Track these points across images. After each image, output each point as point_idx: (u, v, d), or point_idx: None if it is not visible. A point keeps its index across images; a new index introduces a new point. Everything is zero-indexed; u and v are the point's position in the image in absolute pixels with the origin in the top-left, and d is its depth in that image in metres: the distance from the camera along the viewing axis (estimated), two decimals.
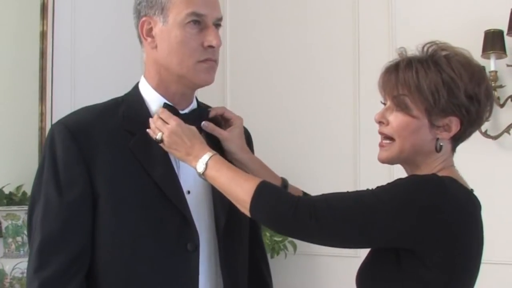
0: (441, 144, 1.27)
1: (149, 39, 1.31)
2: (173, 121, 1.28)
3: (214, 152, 1.28)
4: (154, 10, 1.29)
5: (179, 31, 1.27)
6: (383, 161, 1.31)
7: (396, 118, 1.27)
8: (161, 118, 1.29)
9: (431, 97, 1.23)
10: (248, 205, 1.22)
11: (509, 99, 2.44)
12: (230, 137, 1.37)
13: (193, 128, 1.31)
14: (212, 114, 1.38)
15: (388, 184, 1.23)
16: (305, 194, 1.47)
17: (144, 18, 1.31)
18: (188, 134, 1.28)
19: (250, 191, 1.22)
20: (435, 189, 1.19)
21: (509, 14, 2.36)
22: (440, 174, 1.25)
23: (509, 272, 2.44)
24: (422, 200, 1.18)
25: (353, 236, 1.20)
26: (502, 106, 2.45)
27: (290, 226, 1.21)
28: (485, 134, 2.43)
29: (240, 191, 1.24)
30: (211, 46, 1.29)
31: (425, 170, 1.27)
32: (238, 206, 1.26)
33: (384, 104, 1.32)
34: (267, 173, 1.42)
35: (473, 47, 2.29)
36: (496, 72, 2.41)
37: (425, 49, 1.29)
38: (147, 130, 1.29)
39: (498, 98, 2.44)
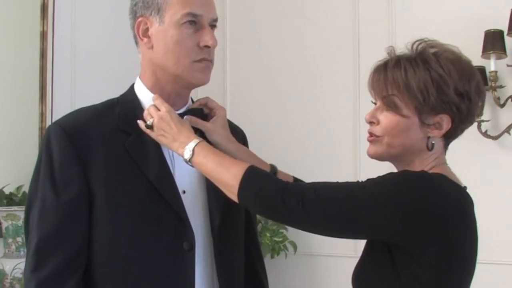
0: (432, 142, 1.26)
1: (145, 39, 1.32)
2: (164, 108, 1.29)
3: (201, 139, 1.28)
4: (150, 10, 1.30)
5: (175, 31, 1.28)
6: (372, 155, 1.31)
7: (386, 118, 1.27)
8: (154, 105, 1.31)
9: (421, 95, 1.22)
10: (236, 190, 1.22)
11: (509, 99, 2.44)
12: (213, 128, 1.37)
13: (185, 119, 1.32)
14: (196, 105, 1.39)
15: (379, 177, 1.23)
16: (296, 179, 1.47)
17: (140, 19, 1.32)
18: (176, 122, 1.28)
19: (238, 175, 1.22)
20: (424, 186, 1.18)
21: (509, 14, 2.36)
22: (431, 171, 1.24)
23: (509, 272, 2.44)
24: (410, 196, 1.17)
25: (339, 225, 1.20)
26: (502, 106, 2.45)
27: (277, 211, 1.21)
28: (486, 134, 2.43)
29: (228, 175, 1.23)
30: (207, 46, 1.30)
31: (417, 167, 1.27)
32: (226, 191, 1.25)
33: (375, 103, 1.31)
34: (256, 161, 1.42)
35: (473, 47, 2.31)
36: (496, 72, 2.41)
37: (414, 47, 1.28)
38: (138, 121, 1.30)
39: (498, 98, 2.44)
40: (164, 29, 1.29)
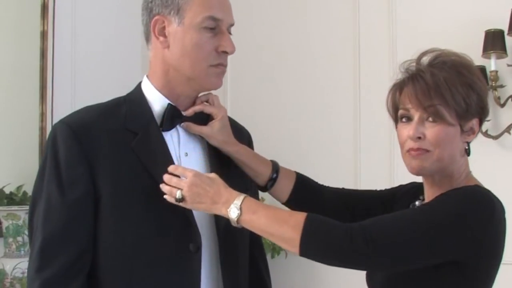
0: (466, 147, 1.28)
1: (161, 38, 1.30)
2: (190, 173, 1.23)
3: (244, 194, 1.24)
4: (169, 9, 1.28)
5: (194, 33, 1.27)
6: (419, 171, 1.26)
7: (432, 131, 1.23)
8: (174, 175, 1.24)
9: (464, 102, 1.22)
10: (297, 243, 1.17)
11: (510, 99, 2.44)
12: (210, 133, 1.35)
13: (212, 174, 1.27)
14: (189, 112, 1.35)
15: (434, 201, 1.23)
16: (297, 174, 1.47)
17: (157, 17, 1.29)
18: (209, 182, 1.23)
19: (298, 227, 1.17)
20: (486, 203, 1.19)
21: (510, 14, 2.36)
22: (471, 182, 1.26)
23: (509, 272, 2.44)
24: (474, 214, 1.18)
25: (413, 256, 1.17)
26: (502, 106, 2.45)
27: (347, 257, 1.17)
28: (486, 134, 2.43)
29: (286, 229, 1.18)
30: (225, 52, 1.29)
31: (456, 175, 1.27)
32: (284, 245, 1.21)
33: (404, 119, 1.28)
34: (257, 160, 1.42)
35: (473, 47, 2.31)
36: (496, 72, 2.41)
37: (433, 57, 1.28)
38: (164, 196, 1.24)
39: (499, 98, 2.44)
40: (183, 30, 1.27)
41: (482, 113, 1.27)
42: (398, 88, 1.30)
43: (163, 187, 1.24)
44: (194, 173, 1.24)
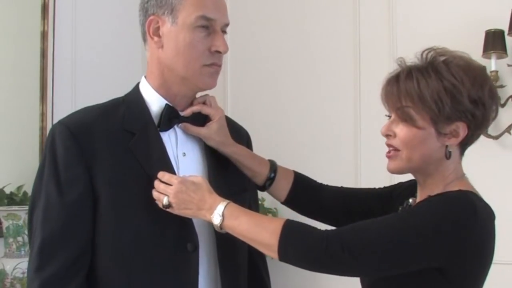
0: (449, 150, 1.25)
1: (155, 38, 1.30)
2: (175, 180, 1.25)
3: (227, 200, 1.26)
4: (163, 9, 1.28)
5: (188, 33, 1.27)
6: (392, 171, 1.29)
7: (401, 131, 1.25)
8: (163, 182, 1.26)
9: (435, 106, 1.21)
10: (276, 248, 1.19)
11: (510, 99, 2.44)
12: (207, 135, 1.36)
13: (198, 179, 1.28)
14: (187, 112, 1.35)
15: (415, 207, 1.23)
16: (296, 173, 1.48)
17: (152, 17, 1.30)
18: (194, 189, 1.25)
19: (276, 233, 1.20)
20: (466, 209, 1.18)
21: (510, 14, 2.36)
22: (454, 185, 1.24)
23: (509, 272, 2.44)
24: (454, 220, 1.17)
25: (386, 263, 1.18)
26: (502, 106, 2.45)
27: (323, 263, 1.18)
28: (486, 134, 2.42)
29: (265, 235, 1.21)
30: (218, 52, 1.29)
31: (437, 178, 1.27)
32: (264, 250, 1.23)
33: (389, 116, 1.30)
34: (255, 161, 1.42)
35: (474, 47, 2.31)
36: (497, 72, 2.41)
37: (424, 56, 1.27)
38: (156, 202, 1.26)
39: (499, 98, 2.44)
40: (176, 30, 1.28)
41: (464, 117, 1.23)
42: (386, 85, 1.31)
43: (153, 192, 1.26)
44: (179, 180, 1.25)
